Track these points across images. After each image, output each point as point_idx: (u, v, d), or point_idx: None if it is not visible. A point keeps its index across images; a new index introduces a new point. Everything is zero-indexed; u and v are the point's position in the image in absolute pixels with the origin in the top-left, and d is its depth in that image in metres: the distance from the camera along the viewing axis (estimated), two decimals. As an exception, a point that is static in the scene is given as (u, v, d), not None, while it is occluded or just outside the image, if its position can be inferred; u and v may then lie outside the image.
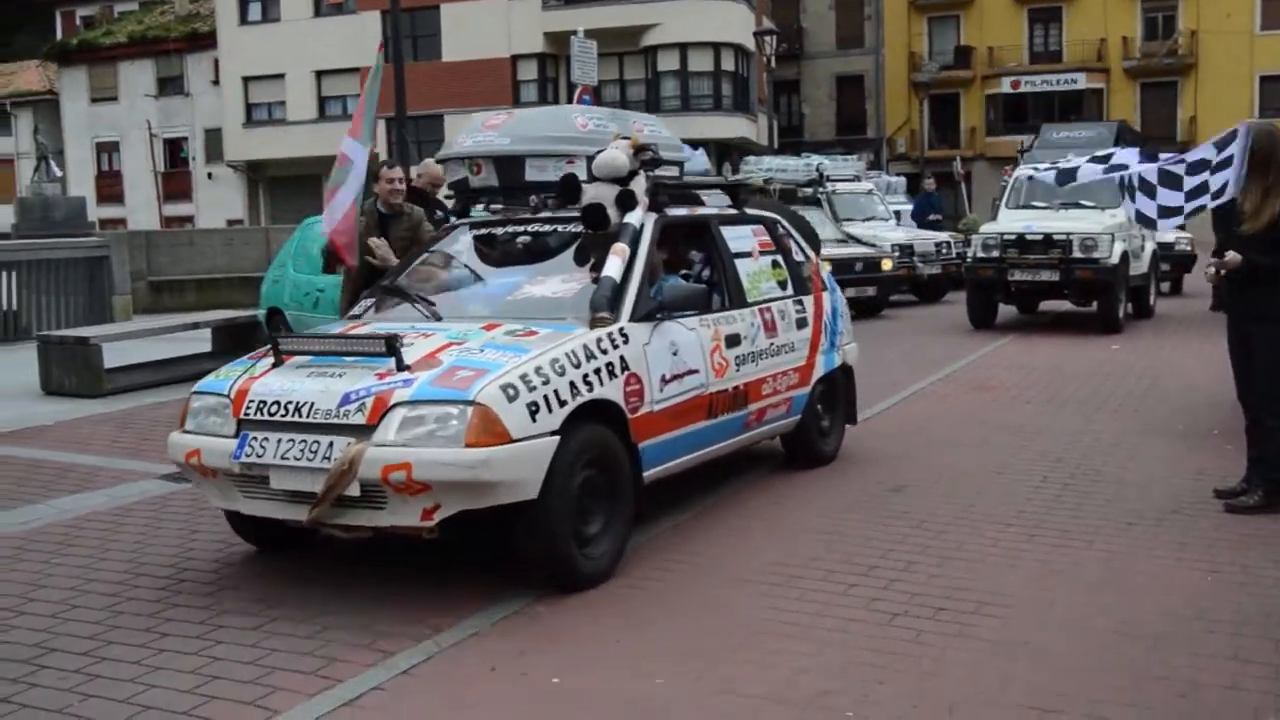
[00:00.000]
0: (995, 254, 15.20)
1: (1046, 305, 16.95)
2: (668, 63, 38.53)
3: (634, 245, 6.03)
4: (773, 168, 21.61)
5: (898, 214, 22.60)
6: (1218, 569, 5.44)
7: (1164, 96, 46.62)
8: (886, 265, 18.16)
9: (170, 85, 48.49)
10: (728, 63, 38.94)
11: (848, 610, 4.93)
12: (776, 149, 31.95)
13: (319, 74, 42.86)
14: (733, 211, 7.45)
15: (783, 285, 7.39)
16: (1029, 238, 15.03)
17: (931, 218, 23.86)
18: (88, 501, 7.13)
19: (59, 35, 53.67)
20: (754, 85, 40.57)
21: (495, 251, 6.77)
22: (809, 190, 20.10)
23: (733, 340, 6.54)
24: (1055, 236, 14.93)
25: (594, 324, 5.60)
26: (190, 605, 5.16)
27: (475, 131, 7.00)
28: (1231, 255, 6.46)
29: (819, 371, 7.54)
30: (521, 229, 6.70)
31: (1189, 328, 15.61)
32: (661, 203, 6.52)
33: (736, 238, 7.13)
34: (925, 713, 3.97)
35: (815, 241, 8.55)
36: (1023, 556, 5.67)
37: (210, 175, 47.35)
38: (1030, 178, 16.34)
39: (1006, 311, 16.41)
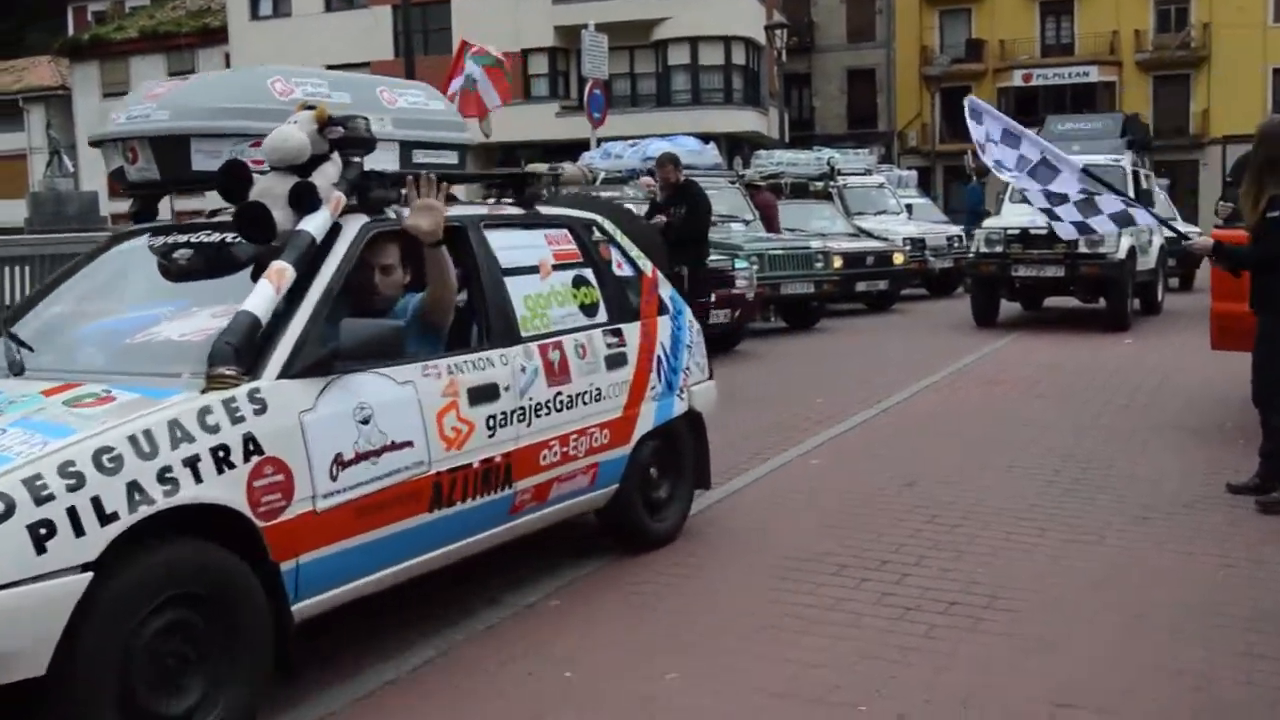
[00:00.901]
0: (999, 249, 14.90)
1: (1051, 302, 16.83)
2: (678, 56, 38.50)
3: (310, 263, 4.18)
4: (783, 161, 21.60)
5: (909, 207, 22.58)
6: (1231, 563, 5.43)
7: (1176, 89, 46.46)
8: (898, 259, 18.15)
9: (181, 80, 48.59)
10: (738, 56, 38.89)
11: (859, 604, 4.92)
12: (787, 143, 31.87)
13: (330, 69, 42.66)
14: (513, 212, 5.48)
15: (590, 310, 5.44)
16: (1033, 232, 14.42)
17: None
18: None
19: (71, 30, 53.84)
20: (765, 79, 40.51)
21: (162, 269, 4.75)
22: (820, 184, 20.08)
23: (483, 393, 4.64)
24: None
25: (210, 384, 3.76)
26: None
27: (134, 103, 5.02)
28: (1201, 240, 6.61)
29: (647, 424, 5.62)
30: (194, 238, 4.69)
31: (1200, 323, 15.56)
32: (376, 201, 4.59)
33: (515, 247, 5.20)
34: (938, 707, 3.96)
35: (657, 250, 6.43)
36: (1035, 551, 5.66)
37: (221, 170, 47.40)
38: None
39: (1010, 308, 16.32)
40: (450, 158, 5.55)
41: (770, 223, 16.48)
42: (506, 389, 4.77)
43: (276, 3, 44.15)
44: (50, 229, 19.16)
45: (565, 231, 5.56)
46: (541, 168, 5.88)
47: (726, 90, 38.64)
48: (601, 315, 5.50)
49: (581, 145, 19.88)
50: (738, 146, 35.33)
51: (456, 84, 11.26)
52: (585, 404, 5.22)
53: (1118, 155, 15.90)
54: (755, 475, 7.31)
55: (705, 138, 19.25)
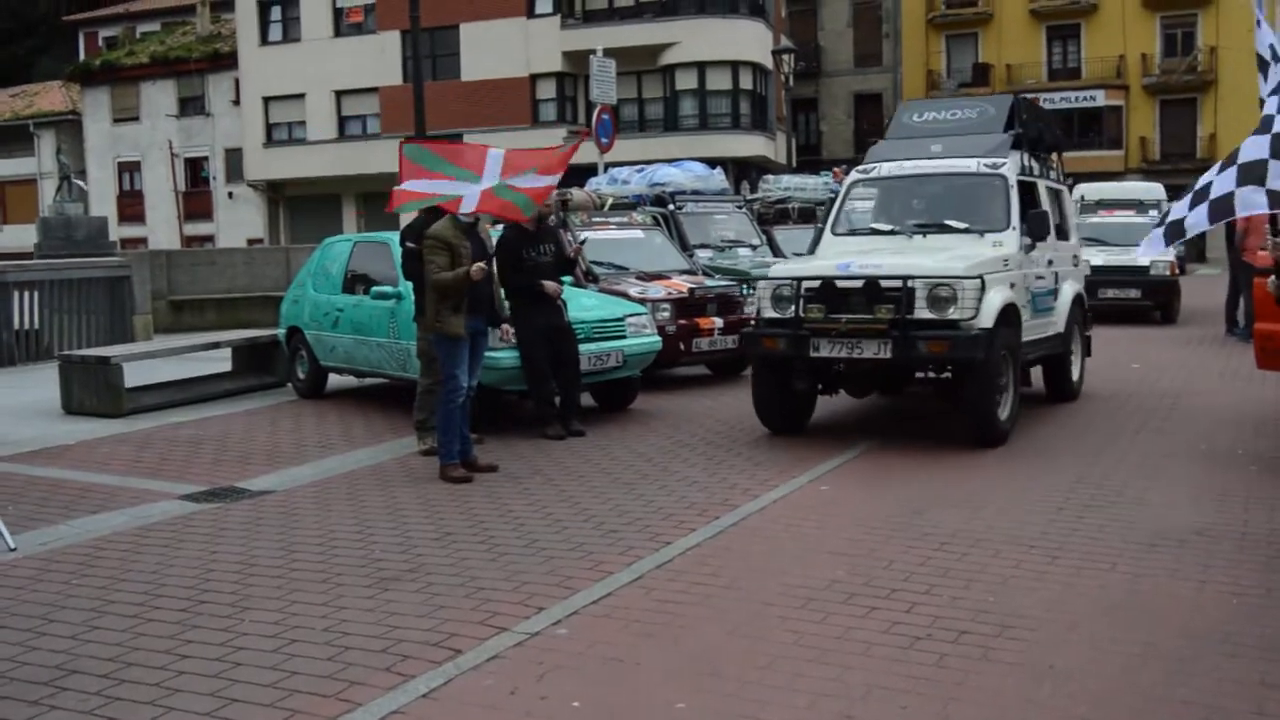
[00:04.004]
0: (791, 314, 9.02)
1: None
2: (686, 81, 38.60)
3: None
4: (791, 186, 21.61)
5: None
6: (1242, 592, 5.39)
7: (1183, 113, 46.46)
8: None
9: (191, 105, 48.82)
10: (746, 81, 39.00)
11: (870, 634, 4.90)
12: (794, 167, 31.90)
13: (339, 94, 43.09)
14: None
15: None
16: (842, 285, 8.86)
17: None
18: (108, 521, 7.15)
19: (82, 56, 54.11)
20: (772, 103, 40.61)
21: None
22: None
23: None
24: (884, 282, 8.69)
25: None
26: (210, 626, 5.16)
27: None
28: (1263, 254, 6.52)
29: None
30: None
31: (1207, 347, 15.52)
32: None
33: None
34: (948, 738, 3.93)
35: None
36: (1045, 579, 5.63)
37: (230, 195, 47.61)
38: (866, 182, 10.69)
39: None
40: None
41: None
42: None
43: (286, 28, 44.37)
44: (60, 253, 19.25)
45: None
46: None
47: (734, 115, 38.73)
48: None
49: (589, 170, 19.93)
50: (745, 171, 35.37)
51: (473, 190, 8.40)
52: None
53: (996, 160, 10.06)
54: (764, 502, 7.29)
55: (712, 162, 19.28)
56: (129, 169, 49.85)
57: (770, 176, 23.75)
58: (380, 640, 4.92)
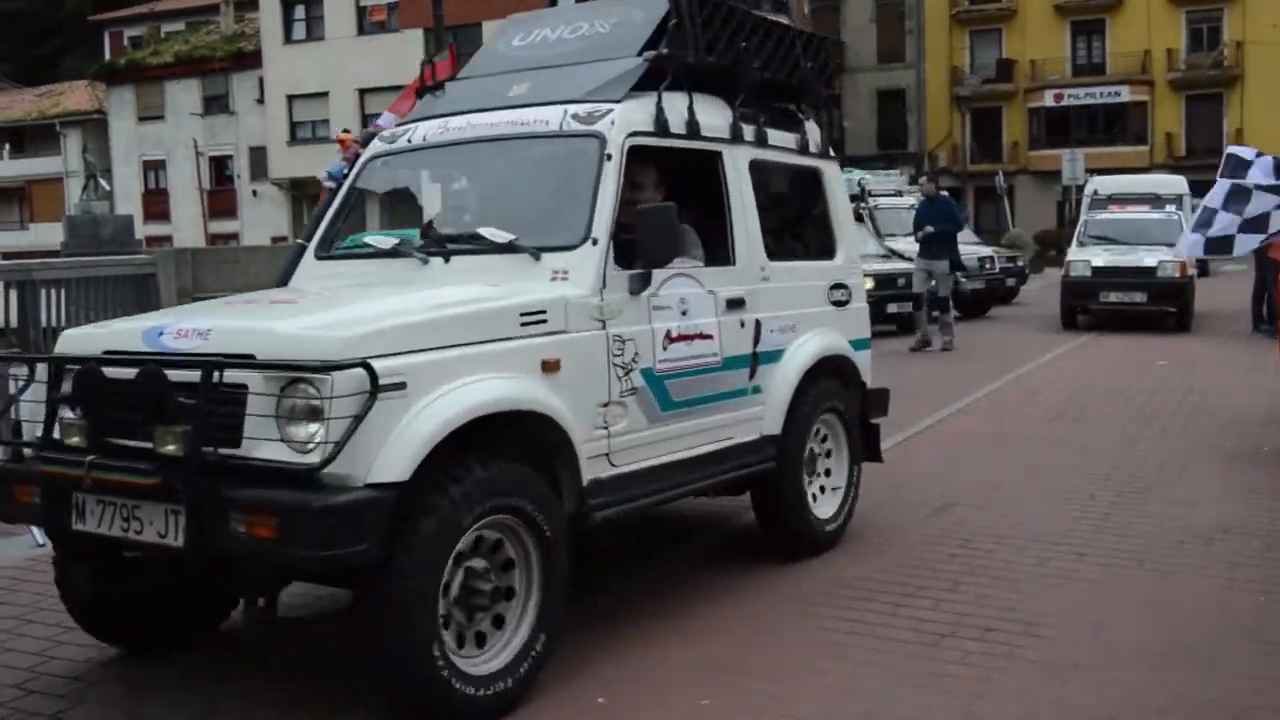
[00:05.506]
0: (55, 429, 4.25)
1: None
2: (708, 78, 38.56)
3: None
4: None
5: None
6: (1270, 589, 5.36)
7: (1210, 109, 46.17)
8: (929, 280, 17.77)
9: (216, 104, 49.09)
10: (768, 78, 38.94)
11: (894, 630, 4.89)
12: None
13: (362, 92, 43.22)
14: None
15: None
16: (115, 375, 4.00)
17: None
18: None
19: (107, 56, 54.49)
20: (795, 100, 40.53)
21: None
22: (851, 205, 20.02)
23: None
24: (175, 374, 3.85)
25: None
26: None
27: None
28: None
29: None
30: None
31: (1233, 344, 15.42)
32: None
33: None
34: (974, 735, 3.92)
35: None
36: (1072, 576, 5.61)
37: (255, 193, 47.85)
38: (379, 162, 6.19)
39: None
40: None
41: None
42: None
43: (309, 27, 44.58)
44: (86, 252, 19.38)
45: None
46: None
47: (756, 112, 38.65)
48: None
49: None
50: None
51: None
52: None
53: (597, 106, 5.03)
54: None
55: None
56: (154, 168, 50.18)
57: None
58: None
